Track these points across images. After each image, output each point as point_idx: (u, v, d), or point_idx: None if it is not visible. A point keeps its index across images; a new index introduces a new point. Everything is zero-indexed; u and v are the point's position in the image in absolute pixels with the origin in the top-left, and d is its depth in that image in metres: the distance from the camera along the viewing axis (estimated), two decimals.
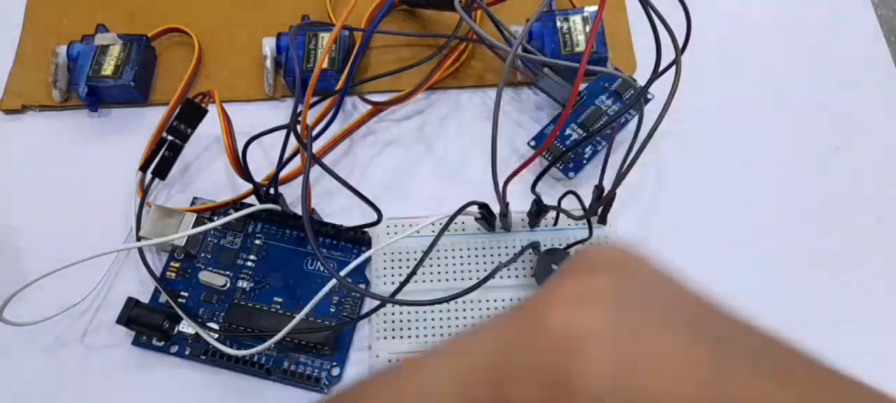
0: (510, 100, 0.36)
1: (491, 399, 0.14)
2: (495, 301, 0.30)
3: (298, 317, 0.27)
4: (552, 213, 0.31)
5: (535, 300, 0.15)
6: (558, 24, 0.35)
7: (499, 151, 0.26)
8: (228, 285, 0.31)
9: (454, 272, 0.31)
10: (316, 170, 0.30)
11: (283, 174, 0.31)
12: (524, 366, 0.14)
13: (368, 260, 0.31)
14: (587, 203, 0.30)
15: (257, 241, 0.32)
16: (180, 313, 0.30)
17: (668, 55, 0.26)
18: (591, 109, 0.34)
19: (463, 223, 0.32)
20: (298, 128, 0.29)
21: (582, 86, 0.35)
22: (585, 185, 0.33)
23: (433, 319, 0.30)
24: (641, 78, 0.36)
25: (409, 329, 0.30)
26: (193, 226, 0.31)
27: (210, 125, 0.31)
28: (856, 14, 0.39)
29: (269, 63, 0.36)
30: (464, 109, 0.36)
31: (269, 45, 0.36)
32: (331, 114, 0.34)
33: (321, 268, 0.32)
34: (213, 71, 0.37)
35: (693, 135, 0.35)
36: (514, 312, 0.15)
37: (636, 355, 0.13)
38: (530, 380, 0.14)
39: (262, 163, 0.34)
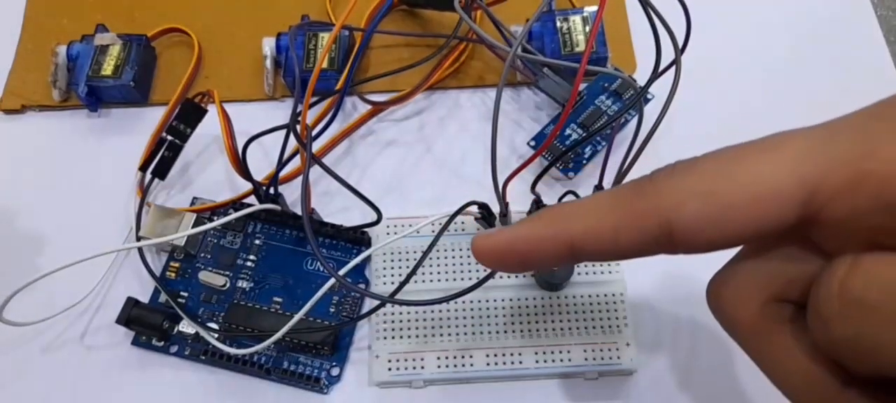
0: (510, 100, 0.36)
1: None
2: (495, 300, 0.30)
3: (297, 317, 0.27)
4: None
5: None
6: (558, 24, 0.35)
7: (499, 151, 0.26)
8: (228, 285, 0.31)
9: (454, 272, 0.31)
10: (316, 170, 0.30)
11: (282, 174, 0.31)
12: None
13: (368, 259, 0.31)
14: None
15: (257, 241, 0.32)
16: (180, 313, 0.30)
17: (668, 55, 0.26)
18: (590, 109, 0.34)
19: (463, 223, 0.32)
20: (298, 128, 0.29)
21: (582, 86, 0.35)
22: (585, 185, 0.33)
23: (433, 319, 0.30)
24: (641, 78, 0.36)
25: (409, 329, 0.30)
26: (193, 226, 0.31)
27: (210, 125, 0.31)
28: (856, 14, 0.38)
29: (268, 63, 0.36)
30: (464, 109, 0.36)
31: (269, 45, 0.36)
32: (330, 114, 0.34)
33: (321, 268, 0.32)
34: (213, 71, 0.37)
35: (693, 135, 0.35)
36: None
37: None
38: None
39: (261, 162, 0.34)
